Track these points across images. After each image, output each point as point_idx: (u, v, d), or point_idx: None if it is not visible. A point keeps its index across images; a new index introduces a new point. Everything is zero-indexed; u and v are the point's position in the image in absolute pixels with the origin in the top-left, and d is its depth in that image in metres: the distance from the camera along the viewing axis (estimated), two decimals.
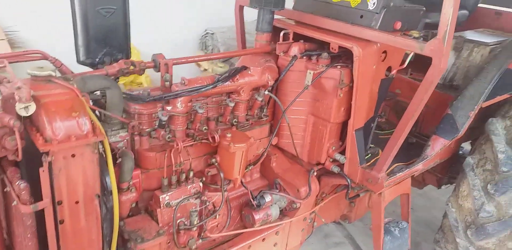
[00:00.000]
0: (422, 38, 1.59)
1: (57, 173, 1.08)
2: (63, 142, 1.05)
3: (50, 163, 1.05)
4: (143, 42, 3.40)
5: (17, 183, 1.07)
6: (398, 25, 1.70)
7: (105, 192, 1.23)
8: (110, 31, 1.62)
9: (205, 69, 3.64)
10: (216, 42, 3.49)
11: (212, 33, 3.53)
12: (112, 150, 1.23)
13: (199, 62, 3.74)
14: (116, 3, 1.60)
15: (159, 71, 1.50)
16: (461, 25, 2.34)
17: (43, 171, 1.05)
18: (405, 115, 1.61)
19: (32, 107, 1.02)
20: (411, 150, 2.07)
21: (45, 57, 1.36)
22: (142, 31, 3.48)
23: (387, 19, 1.67)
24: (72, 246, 1.19)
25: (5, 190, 1.17)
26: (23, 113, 1.02)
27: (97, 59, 1.59)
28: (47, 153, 1.04)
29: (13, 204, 1.10)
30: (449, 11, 1.36)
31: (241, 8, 2.23)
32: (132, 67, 1.45)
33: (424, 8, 1.82)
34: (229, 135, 1.48)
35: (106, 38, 1.61)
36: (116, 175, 1.28)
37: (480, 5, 2.53)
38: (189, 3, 3.61)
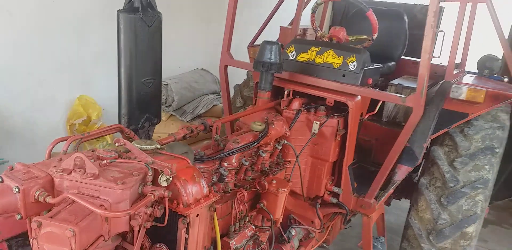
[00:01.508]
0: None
1: (190, 233, 1.25)
2: (197, 204, 1.23)
3: (188, 224, 1.22)
4: (103, 98, 3.46)
5: (158, 246, 1.21)
6: (370, 81, 2.20)
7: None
8: (149, 100, 1.80)
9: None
10: (171, 92, 3.67)
11: (166, 84, 3.71)
12: None
13: None
14: (155, 75, 1.80)
15: (209, 132, 1.73)
16: (391, 74, 2.99)
17: (183, 231, 1.21)
18: (392, 152, 2.08)
19: (170, 179, 1.20)
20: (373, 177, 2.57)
21: (122, 129, 1.49)
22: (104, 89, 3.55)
23: (364, 77, 2.16)
24: None
25: None
26: (164, 184, 1.18)
27: (139, 125, 1.76)
28: (185, 216, 1.21)
29: None
30: (424, 75, 1.89)
31: (225, 67, 2.54)
32: (190, 132, 1.65)
33: (382, 66, 2.37)
34: (274, 182, 1.76)
35: (147, 106, 1.78)
36: None
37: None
38: None
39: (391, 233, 3.08)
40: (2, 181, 1.10)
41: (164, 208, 1.18)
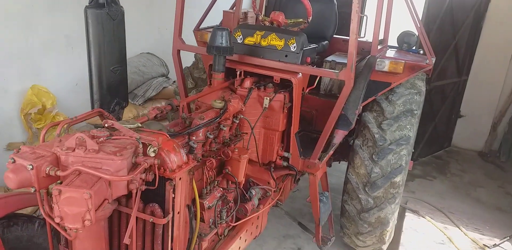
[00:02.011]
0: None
1: (176, 193, 1.53)
2: (180, 170, 1.51)
3: (173, 186, 1.50)
4: (55, 87, 3.54)
5: (151, 205, 1.48)
6: (309, 59, 2.54)
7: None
8: (118, 85, 2.01)
9: None
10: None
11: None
12: None
13: None
14: (121, 62, 2.00)
15: (176, 111, 1.98)
16: (325, 52, 3.36)
17: (170, 192, 1.49)
18: (330, 119, 2.46)
19: (157, 150, 1.46)
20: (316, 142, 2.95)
21: (102, 113, 1.71)
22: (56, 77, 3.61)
23: (303, 57, 2.49)
24: (179, 243, 1.64)
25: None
26: (152, 154, 1.44)
27: (111, 109, 1.97)
28: (171, 179, 1.49)
29: (150, 220, 1.50)
30: (353, 53, 2.25)
31: (178, 52, 2.76)
32: (158, 113, 1.89)
33: (317, 45, 2.71)
34: (236, 150, 2.07)
35: (116, 91, 1.99)
36: None
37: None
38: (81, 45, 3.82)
39: (333, 192, 3.51)
40: (15, 161, 1.31)
41: (154, 174, 1.45)
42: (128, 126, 1.53)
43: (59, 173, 1.29)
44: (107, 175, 1.26)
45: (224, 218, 2.05)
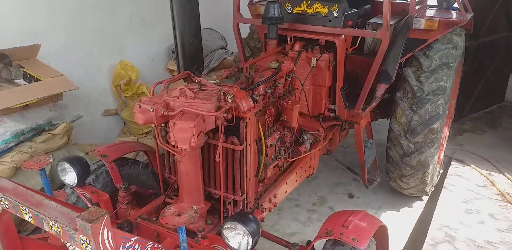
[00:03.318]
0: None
1: (247, 128, 2.09)
2: (249, 111, 2.07)
3: (246, 123, 2.06)
4: (138, 62, 4.22)
5: (231, 136, 2.07)
6: (350, 22, 2.95)
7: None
8: (196, 54, 2.57)
9: None
10: None
11: None
12: None
13: (170, 68, 4.65)
14: (197, 36, 2.55)
15: (241, 72, 2.52)
16: (368, 15, 3.71)
17: (243, 127, 2.06)
18: (370, 73, 2.89)
19: (233, 97, 2.01)
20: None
21: (189, 75, 2.28)
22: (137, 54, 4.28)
23: (345, 21, 2.90)
24: (251, 166, 2.22)
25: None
26: (229, 100, 1.99)
27: (192, 72, 2.54)
28: (244, 118, 2.05)
29: (231, 147, 2.09)
30: (387, 14, 2.64)
31: (238, 25, 3.28)
32: (228, 73, 2.44)
33: (358, 10, 3.10)
34: (290, 101, 2.59)
35: (195, 59, 2.56)
36: None
37: None
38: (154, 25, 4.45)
39: (381, 146, 3.94)
40: (140, 106, 1.92)
41: (232, 114, 2.01)
42: (212, 81, 2.10)
43: (170, 113, 1.89)
44: (203, 111, 1.84)
45: (282, 154, 2.61)
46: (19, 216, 1.49)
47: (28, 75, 3.10)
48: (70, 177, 2.25)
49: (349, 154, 4.67)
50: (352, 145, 4.71)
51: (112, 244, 1.33)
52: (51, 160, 1.92)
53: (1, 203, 1.51)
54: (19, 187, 1.54)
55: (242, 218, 1.81)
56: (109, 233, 1.31)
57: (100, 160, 2.56)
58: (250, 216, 1.85)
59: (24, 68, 3.14)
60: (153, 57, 4.55)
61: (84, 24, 3.79)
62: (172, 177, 2.44)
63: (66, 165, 2.21)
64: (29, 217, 1.44)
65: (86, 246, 1.29)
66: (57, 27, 3.60)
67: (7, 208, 1.51)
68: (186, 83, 2.27)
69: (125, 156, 2.77)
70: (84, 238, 1.28)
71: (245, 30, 4.33)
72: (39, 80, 3.04)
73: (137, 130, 4.28)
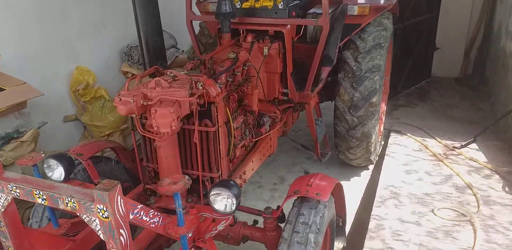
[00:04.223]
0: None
1: (218, 112, 2.37)
2: (218, 96, 2.35)
3: (216, 107, 2.34)
4: (93, 66, 4.34)
5: (204, 120, 2.34)
6: (294, 13, 3.30)
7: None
8: (159, 51, 2.81)
9: (133, 74, 4.72)
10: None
11: (136, 46, 4.59)
12: None
13: (124, 70, 4.80)
14: (159, 34, 2.79)
15: (202, 64, 2.78)
16: (307, 6, 4.07)
17: (214, 111, 2.33)
18: (314, 58, 3.25)
19: (202, 84, 2.27)
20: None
21: (158, 69, 2.51)
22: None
23: (289, 12, 3.24)
24: (223, 146, 2.50)
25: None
26: (200, 87, 2.26)
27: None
28: (214, 102, 2.32)
29: (205, 130, 2.36)
30: (326, 3, 3.01)
31: (191, 22, 3.53)
32: (193, 66, 2.70)
33: (299, 1, 3.45)
34: (249, 87, 2.90)
35: (158, 55, 2.80)
36: None
37: None
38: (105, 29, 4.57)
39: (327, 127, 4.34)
40: (121, 99, 2.13)
41: (203, 100, 2.28)
42: (181, 72, 2.35)
43: (149, 103, 2.12)
44: (180, 98, 2.09)
45: (247, 135, 2.92)
46: (31, 200, 1.68)
47: None
48: (57, 172, 2.41)
49: (301, 136, 5.09)
50: (302, 129, 5.14)
51: (124, 210, 1.57)
52: (43, 155, 2.09)
53: (12, 192, 1.69)
54: (28, 176, 1.73)
55: (225, 183, 2.10)
56: (122, 200, 1.55)
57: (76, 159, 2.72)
58: (232, 182, 2.14)
59: None
60: (106, 60, 4.67)
61: (37, 33, 3.86)
62: (150, 164, 2.66)
63: (53, 162, 2.37)
64: (43, 199, 1.64)
65: (103, 213, 1.52)
66: (11, 37, 3.65)
67: (18, 196, 1.69)
68: (151, 78, 2.50)
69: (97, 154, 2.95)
70: (101, 206, 1.51)
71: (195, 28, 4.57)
72: (3, 89, 3.11)
73: (98, 133, 4.39)
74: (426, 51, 6.45)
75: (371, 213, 3.48)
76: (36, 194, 1.64)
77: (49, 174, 2.43)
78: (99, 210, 1.52)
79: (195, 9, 3.85)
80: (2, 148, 3.08)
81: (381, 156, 4.44)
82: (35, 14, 3.81)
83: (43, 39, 3.93)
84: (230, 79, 2.84)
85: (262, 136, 3.14)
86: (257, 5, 3.25)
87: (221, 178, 2.61)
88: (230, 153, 2.70)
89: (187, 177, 1.91)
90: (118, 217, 1.54)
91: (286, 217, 2.35)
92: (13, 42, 3.68)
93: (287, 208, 2.36)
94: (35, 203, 2.35)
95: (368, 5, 3.63)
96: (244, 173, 2.95)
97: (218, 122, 2.41)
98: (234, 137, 2.75)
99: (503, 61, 5.22)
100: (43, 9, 3.87)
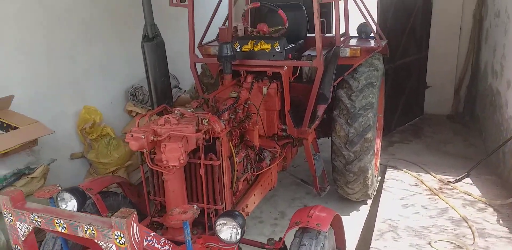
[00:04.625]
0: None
1: (222, 146, 2.53)
2: (222, 132, 2.52)
3: (220, 142, 2.50)
4: (100, 105, 4.55)
5: (209, 154, 2.49)
6: (290, 55, 3.56)
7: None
8: (166, 91, 3.01)
9: (137, 113, 4.94)
10: (146, 92, 4.80)
11: (141, 86, 4.84)
12: None
13: (128, 109, 5.02)
14: (166, 75, 3.01)
15: (206, 103, 2.98)
16: (302, 48, 4.37)
17: (219, 145, 2.50)
18: (310, 96, 3.47)
19: (208, 121, 2.46)
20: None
21: (166, 108, 2.70)
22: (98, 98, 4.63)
23: (286, 54, 3.50)
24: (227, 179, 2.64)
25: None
26: (206, 124, 2.44)
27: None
28: (219, 138, 2.50)
29: (210, 163, 2.51)
30: (319, 46, 3.27)
31: (194, 64, 3.78)
32: (198, 104, 2.90)
33: (295, 45, 3.73)
34: (250, 124, 3.08)
35: (165, 95, 3.00)
36: None
37: None
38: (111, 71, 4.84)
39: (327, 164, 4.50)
40: (133, 135, 2.30)
41: (209, 134, 2.46)
42: (188, 110, 2.54)
43: (158, 138, 2.29)
44: (187, 133, 2.27)
45: (249, 169, 3.07)
46: (52, 229, 1.80)
47: (5, 124, 3.34)
48: (70, 205, 2.52)
49: (300, 172, 5.22)
50: (301, 165, 5.28)
51: (139, 237, 1.69)
52: (59, 188, 2.22)
53: (34, 221, 1.82)
54: (49, 207, 1.86)
55: (230, 213, 2.23)
56: (137, 227, 1.68)
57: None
58: (236, 212, 2.27)
59: (0, 118, 3.38)
60: (112, 100, 4.90)
61: (47, 74, 4.10)
62: (157, 198, 2.79)
63: (66, 195, 2.50)
64: (63, 228, 1.76)
65: (120, 240, 1.64)
66: (23, 79, 3.88)
67: (39, 225, 1.81)
68: (158, 116, 2.69)
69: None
70: (118, 232, 1.63)
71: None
72: (17, 128, 3.29)
73: (103, 170, 4.52)
74: (418, 90, 6.72)
75: (370, 246, 3.55)
76: (56, 223, 1.76)
77: (63, 207, 2.54)
78: (116, 237, 1.65)
79: (197, 51, 4.14)
80: (13, 184, 3.20)
81: (379, 191, 4.56)
82: (45, 57, 4.06)
83: (53, 80, 4.17)
84: (233, 116, 3.02)
85: (263, 170, 3.29)
86: (256, 49, 3.52)
87: (225, 210, 2.72)
88: (233, 186, 2.84)
89: (195, 206, 2.04)
90: (134, 243, 1.66)
91: (288, 248, 2.45)
92: (25, 83, 3.91)
93: (289, 239, 2.47)
94: (45, 236, 2.47)
95: (359, 47, 3.91)
96: (247, 206, 3.06)
97: (222, 156, 2.57)
98: (237, 171, 2.90)
99: (491, 99, 5.48)
100: (53, 52, 4.13)
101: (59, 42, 4.18)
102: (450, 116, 6.85)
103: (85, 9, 4.45)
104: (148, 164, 2.42)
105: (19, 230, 1.82)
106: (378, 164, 4.73)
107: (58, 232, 1.78)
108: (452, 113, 6.89)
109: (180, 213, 1.95)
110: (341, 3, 4.00)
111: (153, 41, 2.82)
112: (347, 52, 3.92)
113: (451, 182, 4.56)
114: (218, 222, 2.24)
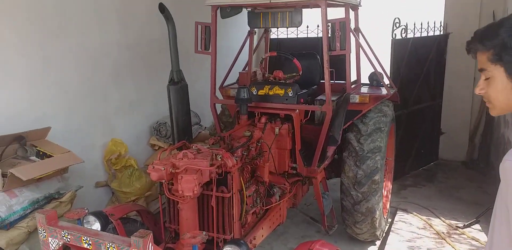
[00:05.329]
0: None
1: (233, 180, 2.79)
2: (234, 167, 2.79)
3: (232, 176, 2.77)
4: (126, 138, 4.93)
5: (220, 187, 2.76)
6: (302, 100, 3.87)
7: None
8: (186, 128, 3.34)
9: (159, 147, 5.29)
10: (169, 128, 5.18)
11: (165, 123, 5.23)
12: None
13: (152, 143, 5.37)
14: (187, 114, 3.34)
15: (222, 140, 3.28)
16: (315, 93, 4.70)
17: (230, 179, 2.76)
18: (320, 138, 3.74)
19: (221, 157, 2.74)
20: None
21: (185, 143, 3.01)
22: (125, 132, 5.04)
23: (298, 99, 3.82)
24: (236, 211, 2.87)
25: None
26: (219, 159, 2.72)
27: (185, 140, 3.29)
28: (230, 172, 2.76)
29: (221, 195, 2.76)
30: (329, 93, 3.58)
31: (214, 105, 4.14)
32: (214, 141, 3.20)
33: (307, 90, 4.05)
34: (261, 161, 3.35)
35: (185, 131, 3.32)
36: None
37: None
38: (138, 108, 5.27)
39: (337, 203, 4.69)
40: (154, 167, 2.60)
41: (222, 169, 2.73)
42: (205, 146, 2.84)
43: (176, 171, 2.58)
44: (202, 167, 2.55)
45: (258, 203, 3.30)
46: (79, 245, 2.07)
47: (41, 153, 3.71)
48: (94, 227, 2.78)
49: (311, 210, 5.37)
50: (313, 203, 5.44)
51: None
52: (86, 211, 2.51)
53: (64, 237, 2.09)
54: (77, 226, 2.14)
55: (236, 241, 2.45)
56: (152, 246, 1.93)
57: None
58: (242, 241, 2.48)
59: (37, 147, 3.76)
60: (137, 134, 5.28)
61: (82, 110, 4.53)
62: (171, 225, 3.03)
63: (92, 218, 2.78)
64: (88, 244, 2.03)
65: None
66: (60, 113, 4.31)
67: (69, 241, 2.08)
68: (178, 150, 3.00)
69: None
70: None
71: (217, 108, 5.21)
72: (51, 156, 3.65)
73: (125, 199, 4.81)
74: (432, 135, 6.88)
75: None
76: (84, 240, 2.03)
77: None
78: None
79: (217, 93, 4.52)
80: (44, 207, 3.50)
81: (387, 232, 4.65)
82: (81, 93, 4.51)
83: (86, 115, 4.59)
84: (245, 153, 3.30)
85: (272, 205, 3.51)
86: (271, 93, 3.86)
87: None
88: (242, 218, 3.06)
89: (204, 232, 2.28)
90: None
91: None
92: (62, 117, 4.33)
93: None
94: None
95: (368, 94, 4.20)
96: (254, 238, 3.26)
97: (232, 190, 2.83)
98: (246, 204, 3.13)
99: (503, 148, 5.59)
100: (88, 90, 4.59)
101: (94, 82, 4.65)
102: (465, 162, 6.93)
103: (119, 54, 4.95)
104: (166, 193, 2.69)
105: (51, 245, 2.09)
106: (388, 206, 4.85)
107: (84, 248, 2.04)
108: (467, 160, 6.97)
109: (190, 237, 2.19)
110: (353, 54, 4.34)
111: (177, 85, 3.19)
112: (356, 98, 4.21)
113: (459, 227, 4.63)
114: (225, 248, 2.46)
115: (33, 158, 3.74)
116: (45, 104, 4.17)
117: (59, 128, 4.26)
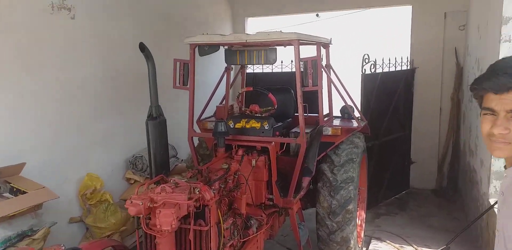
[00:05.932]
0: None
1: (211, 213, 2.84)
2: (212, 200, 2.85)
3: (209, 209, 2.82)
4: (101, 173, 4.91)
5: (198, 220, 2.79)
6: (278, 133, 4.01)
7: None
8: (164, 162, 3.39)
9: (135, 180, 5.28)
10: (145, 161, 5.19)
11: (141, 156, 5.24)
12: None
13: (127, 177, 5.35)
14: (165, 148, 3.41)
15: (199, 173, 3.34)
16: (290, 126, 4.85)
17: (208, 212, 2.81)
18: (296, 169, 3.85)
19: (199, 190, 2.80)
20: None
21: (163, 177, 3.06)
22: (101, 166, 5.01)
23: (274, 132, 3.95)
24: (214, 244, 2.90)
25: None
26: (197, 192, 2.78)
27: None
28: (208, 205, 2.82)
29: (199, 229, 2.79)
30: (303, 126, 3.73)
31: (191, 138, 4.22)
32: (191, 174, 3.26)
33: (282, 123, 4.20)
34: (239, 193, 3.41)
35: (163, 165, 3.37)
36: None
37: None
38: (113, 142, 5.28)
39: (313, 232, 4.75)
40: (132, 202, 2.63)
41: (199, 202, 2.78)
42: (182, 179, 2.90)
43: (154, 205, 2.62)
44: (180, 201, 2.60)
45: (236, 235, 3.33)
46: None
47: (15, 189, 3.67)
48: None
49: (288, 241, 5.39)
50: (290, 234, 5.47)
51: None
52: (63, 248, 2.50)
53: None
54: None
55: None
56: None
57: None
58: None
59: (11, 183, 3.72)
60: (113, 168, 5.26)
61: (56, 144, 4.52)
62: None
63: None
64: None
65: None
66: (35, 148, 4.30)
67: None
68: (156, 185, 3.04)
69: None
70: None
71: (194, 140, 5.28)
72: (25, 192, 3.61)
73: (99, 234, 4.72)
74: (403, 165, 7.11)
75: None
76: None
77: None
78: None
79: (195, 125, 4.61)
80: (16, 244, 3.42)
81: None
82: (55, 128, 4.51)
83: (61, 150, 4.57)
84: (223, 186, 3.37)
85: (250, 237, 3.54)
86: (247, 126, 3.99)
87: None
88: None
89: None
90: None
91: None
92: (36, 151, 4.31)
93: None
94: None
95: (340, 127, 4.38)
96: None
97: (210, 222, 2.87)
98: (224, 237, 3.16)
99: (469, 175, 5.83)
100: (62, 124, 4.60)
101: (69, 115, 4.68)
102: (435, 191, 7.15)
103: (95, 88, 5.02)
104: (144, 228, 2.71)
105: None
106: (362, 234, 4.94)
107: None
108: (437, 188, 7.19)
109: None
110: (325, 89, 4.55)
111: (156, 120, 3.28)
112: (329, 131, 4.37)
113: None
114: None
115: (7, 194, 3.68)
116: (19, 139, 4.15)
117: (34, 163, 4.23)
